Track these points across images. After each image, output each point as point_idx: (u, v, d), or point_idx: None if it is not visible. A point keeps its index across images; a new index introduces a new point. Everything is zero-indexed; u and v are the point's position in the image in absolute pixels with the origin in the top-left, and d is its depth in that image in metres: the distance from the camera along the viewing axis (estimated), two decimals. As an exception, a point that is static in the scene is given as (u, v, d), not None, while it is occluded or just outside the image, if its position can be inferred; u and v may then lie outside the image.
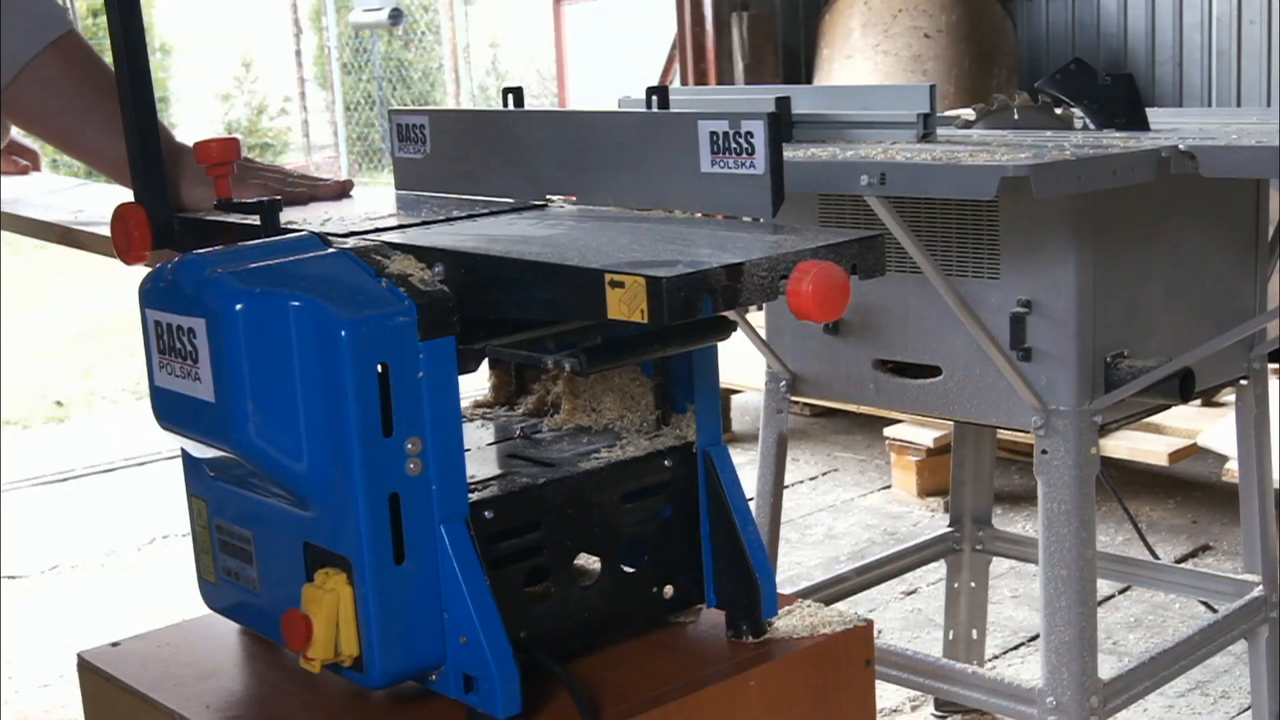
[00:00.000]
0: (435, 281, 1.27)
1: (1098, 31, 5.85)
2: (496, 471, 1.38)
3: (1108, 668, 2.36)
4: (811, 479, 4.90)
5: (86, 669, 1.50)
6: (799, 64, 5.96)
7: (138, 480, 5.51)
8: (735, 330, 1.40)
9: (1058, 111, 2.75)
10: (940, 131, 2.49)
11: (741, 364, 4.13)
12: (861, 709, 1.46)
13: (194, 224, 1.58)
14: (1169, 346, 2.30)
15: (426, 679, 1.30)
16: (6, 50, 1.67)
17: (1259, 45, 5.47)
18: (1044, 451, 2.23)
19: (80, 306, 8.91)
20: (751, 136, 1.40)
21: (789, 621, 1.45)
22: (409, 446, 1.23)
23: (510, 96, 1.68)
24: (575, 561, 1.38)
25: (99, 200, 2.20)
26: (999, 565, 3.26)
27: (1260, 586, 2.63)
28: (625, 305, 1.17)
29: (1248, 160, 2.06)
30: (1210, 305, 2.41)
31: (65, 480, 5.58)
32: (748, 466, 3.04)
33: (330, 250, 1.32)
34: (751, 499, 2.67)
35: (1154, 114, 2.66)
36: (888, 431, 4.66)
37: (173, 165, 1.65)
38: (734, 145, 1.42)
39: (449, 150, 1.72)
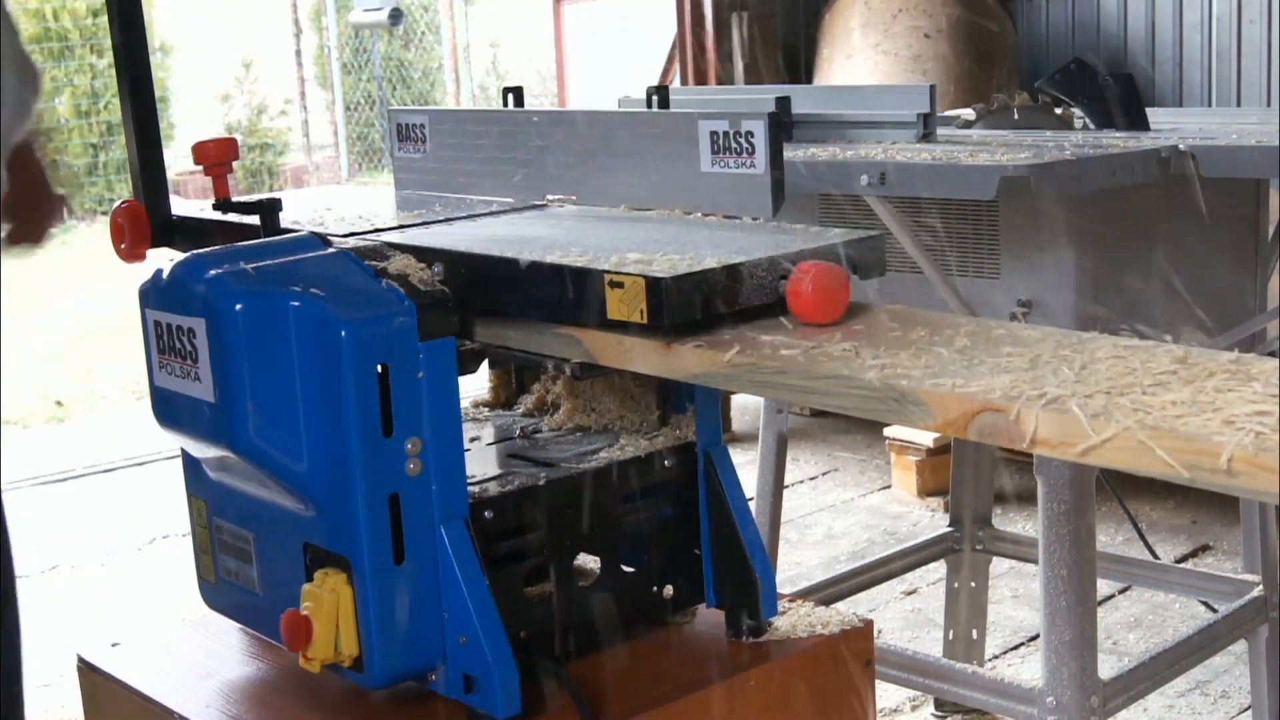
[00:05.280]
0: (435, 281, 1.27)
1: (1098, 31, 5.85)
2: (496, 471, 1.38)
3: (1108, 668, 2.36)
4: (811, 479, 4.90)
5: (86, 669, 1.50)
6: (799, 64, 5.95)
7: (138, 480, 5.51)
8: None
9: (1058, 111, 2.75)
10: (940, 131, 2.49)
11: (741, 364, 4.12)
12: (861, 709, 1.46)
13: (193, 224, 1.58)
14: (1169, 346, 2.30)
15: (426, 679, 1.30)
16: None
17: (1259, 45, 5.46)
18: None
19: (80, 306, 8.90)
20: (751, 136, 1.40)
21: (789, 621, 1.45)
22: (409, 447, 1.23)
23: (510, 96, 1.68)
24: (575, 561, 1.38)
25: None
26: (999, 565, 3.26)
27: (1260, 586, 2.63)
28: (625, 305, 1.17)
29: (1248, 160, 2.06)
30: (1210, 305, 2.41)
31: (65, 480, 5.58)
32: (748, 466, 3.04)
33: (330, 250, 1.32)
34: (751, 499, 2.66)
35: (1154, 114, 2.66)
36: (888, 431, 4.66)
37: None
38: (734, 145, 1.42)
39: (449, 150, 1.72)
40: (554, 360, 1.28)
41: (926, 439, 4.53)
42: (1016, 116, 2.71)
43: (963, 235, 2.29)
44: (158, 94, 1.60)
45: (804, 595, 1.85)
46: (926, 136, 2.41)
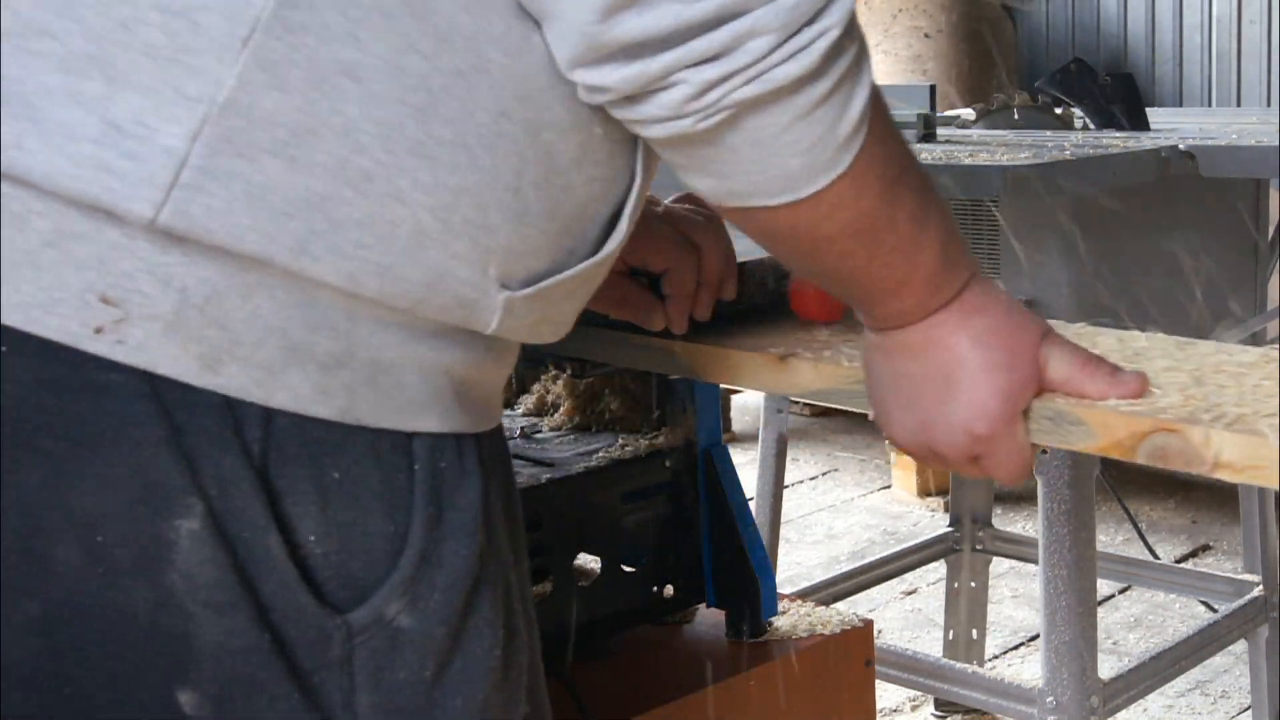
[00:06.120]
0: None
1: (1098, 31, 5.85)
2: (496, 471, 1.38)
3: (1108, 668, 2.36)
4: (811, 479, 4.90)
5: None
6: (799, 64, 5.96)
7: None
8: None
9: (1058, 111, 2.75)
10: (940, 131, 2.49)
11: (741, 364, 4.11)
12: (861, 709, 1.46)
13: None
14: (1169, 346, 2.30)
15: (426, 679, 1.29)
16: None
17: (1259, 45, 5.47)
18: (1043, 451, 2.23)
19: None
20: (752, 136, 1.40)
21: (789, 621, 1.45)
22: (409, 446, 1.23)
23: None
24: (575, 561, 1.38)
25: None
26: (999, 565, 3.26)
27: (1260, 586, 2.63)
28: (626, 305, 1.16)
29: (1248, 160, 2.06)
30: (1210, 305, 2.41)
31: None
32: (748, 466, 3.04)
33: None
34: (751, 499, 2.67)
35: (1154, 114, 2.67)
36: (888, 431, 4.65)
37: None
38: (734, 145, 1.41)
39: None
40: (554, 359, 1.27)
41: (926, 439, 4.52)
42: (1016, 116, 2.71)
43: (963, 235, 2.29)
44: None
45: (804, 595, 1.85)
46: (926, 136, 2.41)
